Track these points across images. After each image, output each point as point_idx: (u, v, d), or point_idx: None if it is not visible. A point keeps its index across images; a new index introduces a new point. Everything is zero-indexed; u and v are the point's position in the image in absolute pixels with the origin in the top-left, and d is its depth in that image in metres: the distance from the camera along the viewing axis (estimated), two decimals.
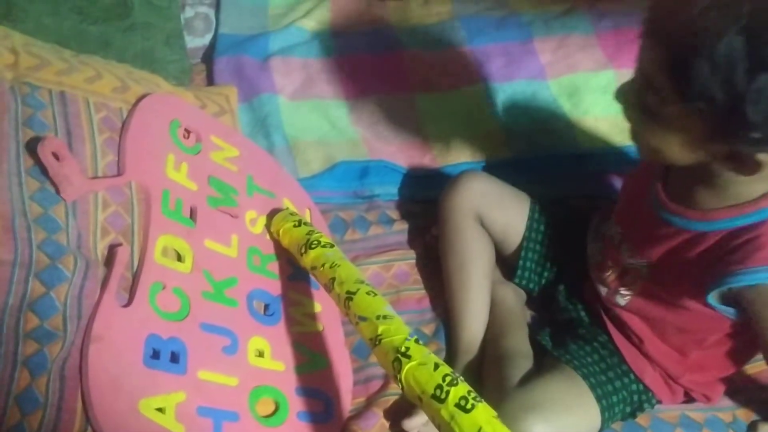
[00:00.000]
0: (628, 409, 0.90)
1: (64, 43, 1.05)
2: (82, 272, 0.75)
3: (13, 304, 0.70)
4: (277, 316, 0.91)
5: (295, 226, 0.93)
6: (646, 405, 0.91)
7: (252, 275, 0.92)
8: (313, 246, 0.88)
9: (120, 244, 0.81)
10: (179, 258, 0.86)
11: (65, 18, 1.17)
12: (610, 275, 0.91)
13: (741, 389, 0.95)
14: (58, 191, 0.78)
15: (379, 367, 0.94)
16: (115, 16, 1.21)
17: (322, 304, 0.98)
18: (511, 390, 0.85)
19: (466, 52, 1.31)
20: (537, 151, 1.20)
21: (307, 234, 0.91)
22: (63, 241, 0.76)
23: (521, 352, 0.92)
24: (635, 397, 0.90)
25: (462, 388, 0.66)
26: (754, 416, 0.93)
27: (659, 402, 0.92)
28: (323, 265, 0.86)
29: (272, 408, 0.84)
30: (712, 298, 0.78)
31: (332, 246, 0.89)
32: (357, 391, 0.93)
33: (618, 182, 1.18)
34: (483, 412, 0.64)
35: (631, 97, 0.73)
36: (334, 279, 0.83)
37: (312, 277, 0.92)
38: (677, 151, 0.72)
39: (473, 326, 0.96)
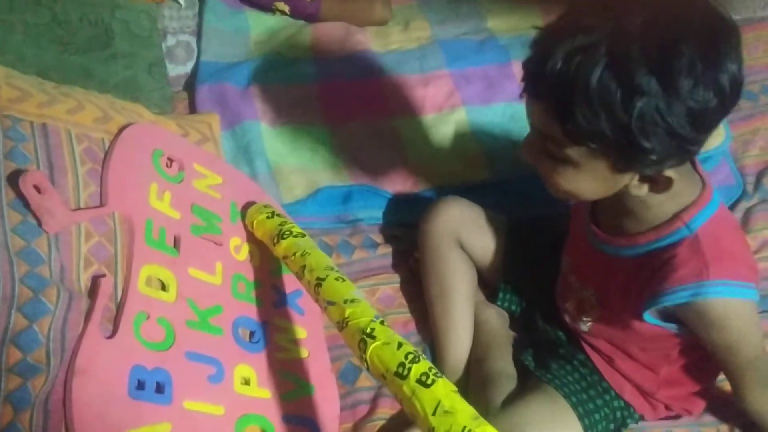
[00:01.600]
0: (611, 426, 0.91)
1: (46, 74, 1.06)
2: (65, 304, 0.75)
3: None
4: (262, 344, 0.91)
5: (268, 217, 0.96)
6: (629, 420, 0.92)
7: (237, 303, 0.92)
8: (285, 236, 0.91)
9: (103, 275, 0.81)
10: (163, 287, 0.86)
11: (46, 49, 1.17)
12: (570, 305, 0.93)
13: (724, 405, 0.96)
14: (40, 224, 0.78)
15: (367, 390, 0.95)
16: (96, 46, 1.21)
17: (308, 330, 0.98)
18: (495, 412, 0.85)
19: (447, 76, 1.33)
20: (519, 172, 1.21)
21: (280, 225, 0.93)
22: (46, 273, 0.75)
23: (505, 374, 0.93)
24: (617, 414, 0.91)
25: (423, 365, 0.69)
26: (736, 431, 0.94)
27: (642, 418, 0.93)
28: (294, 254, 0.88)
29: None
30: (650, 317, 0.81)
31: (303, 236, 0.92)
32: (344, 417, 0.93)
33: None
34: (443, 386, 0.66)
35: (534, 149, 0.76)
36: (304, 266, 0.85)
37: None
38: (590, 187, 0.75)
39: (457, 349, 0.97)
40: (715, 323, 0.77)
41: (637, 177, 0.73)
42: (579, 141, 0.69)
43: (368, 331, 0.73)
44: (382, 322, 0.74)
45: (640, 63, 0.63)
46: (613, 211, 0.81)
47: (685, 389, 0.92)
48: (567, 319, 0.95)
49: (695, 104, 0.64)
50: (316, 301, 0.83)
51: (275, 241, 0.92)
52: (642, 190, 0.74)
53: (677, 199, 0.77)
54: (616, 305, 0.86)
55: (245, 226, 1.00)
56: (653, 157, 0.68)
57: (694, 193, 0.78)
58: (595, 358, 0.93)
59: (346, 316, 0.76)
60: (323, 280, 0.82)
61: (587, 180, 0.74)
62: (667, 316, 0.81)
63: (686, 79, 0.63)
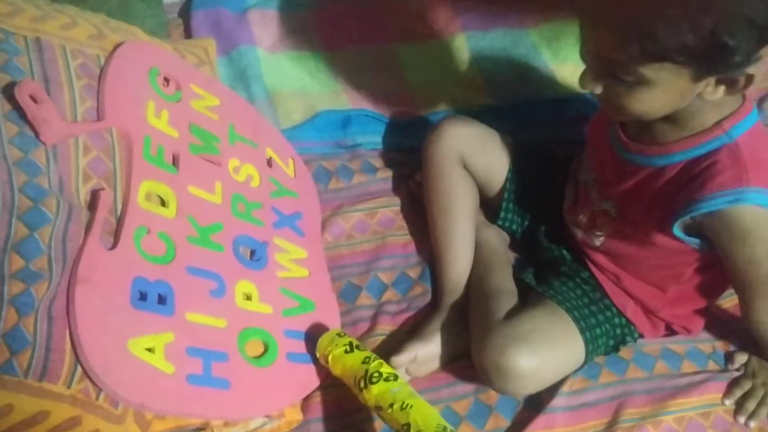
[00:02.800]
0: (611, 342, 0.92)
1: None
2: (65, 215, 0.75)
3: None
4: (263, 262, 0.92)
5: (346, 351, 0.81)
6: (628, 338, 0.93)
7: (237, 221, 0.92)
8: (374, 380, 0.77)
9: (102, 189, 0.80)
10: (163, 203, 0.86)
11: None
12: (582, 218, 0.93)
13: (721, 321, 0.97)
14: (37, 135, 0.77)
15: (367, 308, 0.96)
16: None
17: (308, 251, 0.98)
18: (497, 323, 0.86)
19: (445, 1, 1.31)
20: (517, 97, 1.21)
21: (364, 363, 0.79)
22: (44, 184, 0.75)
23: (506, 290, 0.94)
24: (618, 330, 0.92)
25: None
26: (731, 347, 0.96)
27: (641, 336, 0.94)
28: (391, 406, 0.75)
29: (261, 349, 0.85)
30: (678, 229, 0.80)
31: (396, 377, 0.78)
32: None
33: None
34: None
35: (600, 78, 0.74)
36: (409, 426, 0.72)
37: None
38: (665, 103, 0.74)
39: (458, 267, 0.97)
40: (746, 232, 0.77)
41: (713, 81, 0.72)
42: (660, 57, 0.68)
43: None
44: None
45: None
46: (654, 121, 0.79)
47: (689, 308, 0.93)
48: (579, 234, 0.94)
49: None
50: None
51: (361, 385, 0.77)
52: (717, 94, 0.73)
53: (719, 108, 0.76)
54: (639, 217, 0.85)
55: (318, 359, 0.86)
56: (737, 58, 0.67)
57: (736, 104, 0.77)
58: (599, 275, 0.93)
59: None
60: None
61: (663, 96, 0.73)
62: (692, 229, 0.81)
63: None
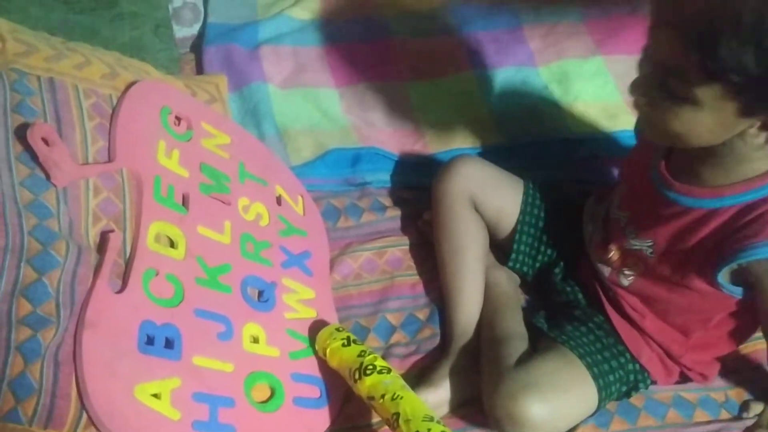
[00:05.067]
0: (623, 389, 0.90)
1: (51, 33, 1.04)
2: (74, 258, 0.74)
3: (5, 290, 0.69)
4: (271, 303, 0.91)
5: (343, 345, 0.85)
6: (641, 385, 0.92)
7: (245, 262, 0.92)
8: (368, 372, 0.80)
9: (112, 231, 0.80)
10: (172, 244, 0.85)
11: (52, 8, 1.16)
12: (613, 256, 0.90)
13: (734, 369, 0.96)
14: (48, 177, 0.77)
15: (375, 351, 0.95)
16: (102, 5, 1.20)
17: (316, 291, 0.97)
18: (508, 370, 0.85)
19: (456, 39, 1.31)
20: (528, 136, 1.20)
21: (359, 356, 0.83)
22: (54, 227, 0.75)
23: (517, 334, 0.92)
24: (631, 377, 0.91)
25: None
26: (746, 395, 0.94)
27: (654, 382, 0.93)
28: (383, 396, 0.78)
29: (268, 394, 0.84)
30: (722, 276, 0.79)
31: (389, 370, 0.82)
32: None
33: (609, 167, 1.18)
34: None
35: (650, 86, 0.72)
36: (398, 415, 0.75)
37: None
38: (706, 131, 0.71)
39: (468, 310, 0.96)
40: None
41: (758, 124, 0.70)
42: (715, 76, 0.65)
43: None
44: None
45: None
46: (697, 161, 0.77)
47: (710, 354, 0.92)
48: (605, 271, 0.92)
49: None
50: None
51: (356, 376, 0.81)
52: (759, 138, 0.71)
53: None
54: (678, 260, 0.83)
55: (315, 352, 0.89)
56: None
57: None
58: (616, 319, 0.91)
59: None
60: None
61: (706, 123, 0.70)
62: (737, 276, 0.79)
63: None
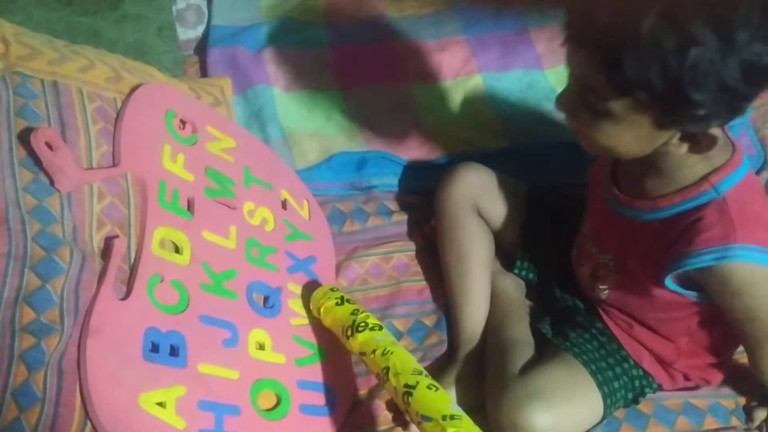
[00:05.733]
0: (629, 395, 0.90)
1: (55, 36, 1.03)
2: (78, 264, 0.73)
3: (8, 297, 0.68)
4: (276, 309, 0.90)
5: (337, 304, 0.86)
6: (647, 390, 0.91)
7: (251, 267, 0.91)
8: (360, 329, 0.82)
9: (116, 236, 0.79)
10: (177, 250, 0.85)
11: (55, 9, 1.15)
12: (585, 271, 0.92)
13: (744, 377, 0.95)
14: (52, 182, 0.76)
15: None
16: (105, 7, 1.19)
17: None
18: (513, 378, 0.84)
19: (463, 42, 1.30)
20: (534, 140, 1.19)
21: (352, 314, 0.84)
22: (58, 233, 0.74)
23: (523, 341, 0.92)
24: (636, 382, 0.90)
25: None
26: (753, 403, 0.93)
27: (660, 386, 0.92)
28: (374, 352, 0.80)
29: (274, 401, 0.83)
30: (671, 282, 0.79)
31: (381, 328, 0.83)
32: (359, 383, 0.92)
33: None
34: None
35: (572, 101, 0.73)
36: (388, 368, 0.77)
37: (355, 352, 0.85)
38: (629, 144, 0.72)
39: (474, 317, 0.95)
40: (738, 289, 0.75)
41: (678, 135, 0.70)
42: (624, 92, 0.66)
43: None
44: None
45: (696, 11, 0.61)
46: (638, 171, 0.79)
47: (704, 359, 0.91)
48: (583, 286, 0.93)
49: (751, 57, 0.62)
50: (406, 411, 0.75)
51: (348, 333, 0.83)
52: (681, 149, 0.72)
53: (708, 160, 0.75)
54: (635, 271, 0.84)
55: (310, 311, 0.91)
56: (701, 112, 0.65)
57: (725, 156, 0.76)
58: (612, 326, 0.91)
59: None
60: (413, 387, 0.73)
61: (626, 136, 0.71)
62: (687, 282, 0.79)
63: (743, 31, 0.61)
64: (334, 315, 0.86)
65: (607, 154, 0.77)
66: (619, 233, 0.84)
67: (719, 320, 0.84)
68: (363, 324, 0.83)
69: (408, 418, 0.77)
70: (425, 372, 0.77)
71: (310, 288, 0.92)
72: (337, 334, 0.86)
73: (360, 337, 0.82)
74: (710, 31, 0.61)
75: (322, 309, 0.87)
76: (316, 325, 0.92)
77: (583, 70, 0.69)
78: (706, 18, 0.61)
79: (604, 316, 0.92)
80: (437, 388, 0.75)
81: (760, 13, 0.61)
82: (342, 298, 0.87)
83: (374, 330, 0.82)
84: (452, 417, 0.70)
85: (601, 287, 0.90)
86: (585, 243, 0.92)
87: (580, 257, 0.93)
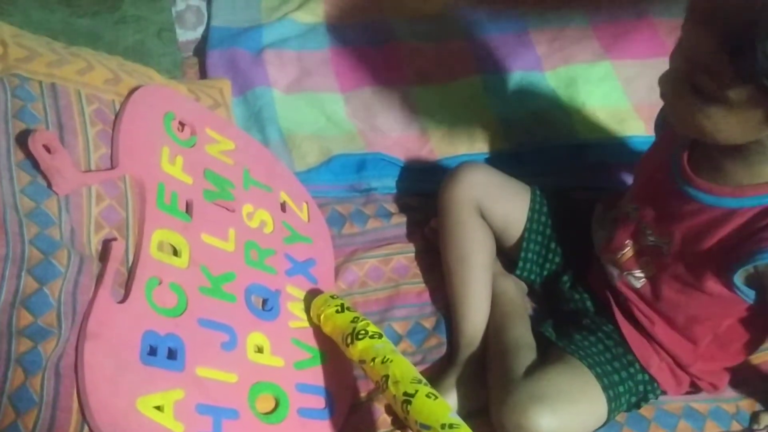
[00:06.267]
0: (633, 399, 0.89)
1: (54, 37, 1.03)
2: (76, 267, 0.73)
3: (6, 301, 0.67)
4: (275, 312, 0.90)
5: (337, 311, 0.87)
6: (650, 395, 0.90)
7: (250, 270, 0.90)
8: (360, 336, 0.82)
9: (114, 239, 0.79)
10: (175, 253, 0.84)
11: (54, 11, 1.15)
12: (625, 255, 0.88)
13: (745, 380, 0.95)
14: (50, 185, 0.76)
15: None
16: (104, 8, 1.19)
17: None
18: (517, 381, 0.83)
19: (463, 43, 1.30)
20: (535, 142, 1.19)
21: (352, 322, 0.84)
22: (56, 235, 0.74)
23: (525, 344, 0.91)
24: (640, 387, 0.89)
25: None
26: (757, 406, 0.93)
27: (663, 393, 0.92)
28: (373, 359, 0.80)
29: (272, 405, 0.82)
30: (738, 277, 0.77)
31: (381, 336, 0.84)
32: (358, 387, 0.91)
33: (617, 173, 1.17)
34: None
35: (679, 82, 0.71)
36: (387, 377, 0.77)
37: (361, 366, 0.85)
38: (734, 131, 0.70)
39: (475, 319, 0.95)
40: None
41: None
42: (748, 79, 0.64)
43: None
44: None
45: None
46: (723, 158, 0.76)
47: (720, 364, 0.90)
48: (614, 273, 0.90)
49: None
50: (405, 420, 0.75)
51: (348, 341, 0.83)
52: None
53: None
54: (694, 259, 0.81)
55: (309, 318, 0.91)
56: None
57: None
58: (625, 328, 0.90)
59: None
60: (412, 396, 0.74)
61: (732, 123, 0.69)
62: (752, 280, 0.77)
63: None
64: (334, 322, 0.86)
65: (701, 136, 0.74)
66: (688, 218, 0.80)
67: (748, 324, 0.84)
68: (363, 332, 0.83)
69: (408, 427, 0.76)
70: (424, 381, 0.77)
71: (310, 295, 0.92)
72: (337, 342, 0.86)
73: (360, 345, 0.82)
74: None
75: (322, 316, 0.88)
76: (315, 328, 0.92)
77: (702, 51, 0.66)
78: None
79: (618, 316, 0.91)
80: (436, 397, 0.74)
81: None
82: (342, 305, 0.87)
83: (374, 338, 0.82)
84: (451, 426, 0.70)
85: (637, 275, 0.88)
86: (627, 225, 0.88)
87: (619, 243, 0.89)
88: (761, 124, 0.68)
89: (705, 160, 0.79)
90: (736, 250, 0.76)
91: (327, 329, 0.88)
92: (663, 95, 0.74)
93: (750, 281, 0.78)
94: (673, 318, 0.87)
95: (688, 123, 0.73)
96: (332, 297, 0.89)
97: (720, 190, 0.77)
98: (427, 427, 0.71)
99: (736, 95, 0.66)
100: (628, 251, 0.89)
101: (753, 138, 0.71)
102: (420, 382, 0.76)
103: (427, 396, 0.74)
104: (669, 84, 0.73)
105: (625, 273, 0.89)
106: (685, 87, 0.70)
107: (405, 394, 0.74)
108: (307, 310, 0.91)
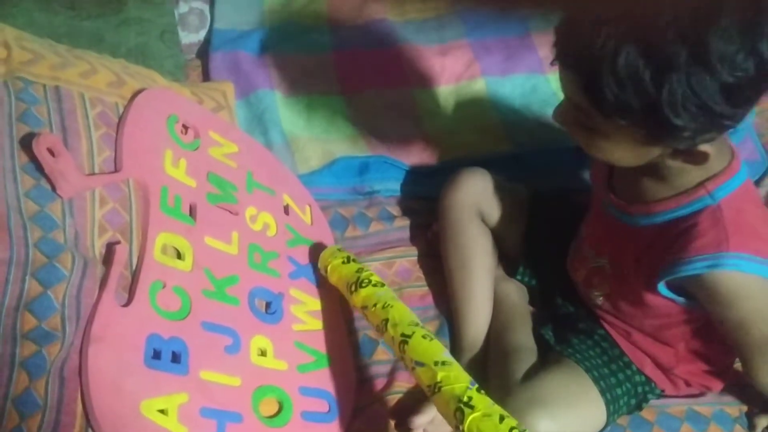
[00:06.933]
0: (633, 401, 0.89)
1: (57, 39, 1.03)
2: (80, 271, 0.73)
3: (10, 304, 0.68)
4: (278, 315, 0.90)
5: (343, 263, 0.91)
6: (650, 395, 0.91)
7: (253, 273, 0.90)
8: (363, 285, 0.86)
9: (118, 242, 0.79)
10: (179, 256, 0.84)
11: (57, 13, 1.15)
12: (580, 275, 0.92)
13: (749, 384, 0.94)
14: (54, 188, 0.76)
15: (384, 364, 0.93)
16: (108, 11, 1.19)
17: (324, 302, 0.96)
18: (516, 385, 0.84)
19: (466, 46, 1.30)
20: (537, 145, 1.19)
21: (357, 272, 0.88)
22: (60, 239, 0.74)
23: (525, 348, 0.92)
24: (639, 389, 0.89)
25: None
26: (755, 409, 0.92)
27: (663, 392, 0.92)
28: (375, 305, 0.84)
29: (276, 408, 0.82)
30: (664, 288, 0.79)
31: (383, 285, 0.87)
32: (361, 389, 0.91)
33: None
34: None
35: (567, 116, 0.74)
36: (387, 320, 0.81)
37: (362, 315, 0.89)
38: (624, 157, 0.73)
39: (477, 322, 0.95)
40: (729, 298, 0.75)
41: (670, 151, 0.70)
42: (607, 114, 0.67)
43: (465, 399, 0.69)
44: (478, 390, 0.71)
45: (671, 36, 0.60)
46: (634, 177, 0.78)
47: (702, 366, 0.90)
48: (580, 290, 0.93)
49: (731, 78, 0.61)
50: (401, 359, 0.79)
51: (352, 289, 0.87)
52: (676, 161, 0.72)
53: (705, 167, 0.74)
54: (629, 276, 0.83)
55: (318, 270, 0.95)
56: (686, 134, 0.65)
57: (722, 163, 0.75)
58: (613, 333, 0.91)
59: (438, 380, 0.72)
60: (409, 337, 0.78)
61: (618, 150, 0.72)
62: (679, 289, 0.79)
63: (720, 54, 0.60)
64: (339, 272, 0.90)
65: (606, 163, 0.78)
66: (615, 237, 0.84)
67: (714, 328, 0.84)
68: (366, 280, 0.87)
69: (405, 366, 0.79)
70: (422, 324, 0.81)
71: (316, 248, 0.98)
72: (342, 290, 0.91)
73: (363, 292, 0.86)
74: (686, 55, 0.60)
75: (329, 267, 0.92)
76: (318, 332, 0.92)
77: (570, 90, 0.70)
78: (681, 43, 0.60)
79: (604, 323, 0.92)
80: (432, 339, 0.78)
81: (738, 35, 0.60)
82: (348, 257, 0.92)
83: (376, 286, 0.87)
84: (443, 363, 0.74)
85: (596, 293, 0.90)
86: (582, 247, 0.92)
87: (576, 261, 0.93)
88: (644, 146, 0.70)
89: (621, 180, 0.82)
90: (655, 264, 0.78)
91: (333, 279, 0.92)
92: (554, 116, 0.77)
93: (677, 290, 0.79)
94: (641, 327, 0.88)
95: (587, 150, 0.75)
96: (339, 250, 0.94)
97: (634, 209, 0.80)
98: (422, 364, 0.75)
99: (606, 127, 0.69)
100: (580, 272, 0.91)
101: (645, 160, 0.73)
102: (417, 325, 0.80)
103: (423, 337, 0.78)
104: (560, 118, 0.75)
105: (585, 291, 0.92)
106: (572, 120, 0.73)
107: (402, 335, 0.78)
108: (316, 261, 0.96)
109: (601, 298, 0.89)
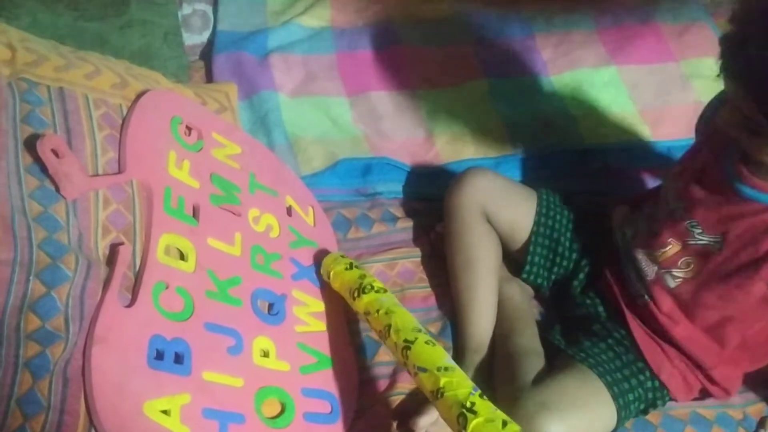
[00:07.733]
0: (642, 407, 0.89)
1: (60, 41, 1.03)
2: (83, 272, 0.73)
3: (14, 305, 0.68)
4: (281, 316, 0.90)
5: (346, 269, 0.91)
6: (659, 402, 0.90)
7: (256, 274, 0.90)
8: (366, 290, 0.87)
9: (122, 243, 0.79)
10: (182, 257, 0.84)
11: (61, 15, 1.15)
12: (666, 253, 0.88)
13: (752, 387, 0.95)
14: (58, 189, 0.76)
15: (386, 365, 0.93)
16: (111, 13, 1.19)
17: (327, 304, 0.96)
18: (525, 389, 0.83)
19: (468, 48, 1.30)
20: (540, 147, 1.19)
21: (360, 278, 0.89)
22: (64, 240, 0.74)
23: (532, 350, 0.91)
24: (650, 395, 0.89)
25: None
26: (765, 412, 0.92)
27: (672, 399, 0.91)
28: (377, 311, 0.84)
29: (278, 409, 0.83)
30: None
31: (385, 291, 0.87)
32: (363, 391, 0.91)
33: (622, 178, 1.17)
34: None
35: (731, 120, 0.74)
36: (389, 326, 0.81)
37: (365, 321, 0.90)
38: None
39: (482, 324, 0.95)
40: None
41: None
42: None
43: (468, 405, 0.69)
44: (481, 395, 0.71)
45: None
46: None
47: (742, 368, 0.90)
48: (648, 272, 0.89)
49: None
50: (404, 365, 0.79)
51: (355, 295, 0.87)
52: None
53: None
54: (746, 257, 0.81)
55: (320, 276, 0.95)
56: None
57: None
58: (638, 333, 0.90)
59: (441, 386, 0.72)
60: (412, 342, 0.78)
61: None
62: None
63: None
64: (342, 278, 0.91)
65: (760, 161, 0.78)
66: (742, 217, 0.81)
67: None
68: (369, 286, 0.87)
69: (408, 372, 0.80)
70: (424, 330, 0.81)
71: (320, 254, 0.98)
72: (344, 296, 0.91)
73: (366, 298, 0.86)
74: None
75: (331, 273, 0.92)
76: (320, 333, 0.92)
77: (737, 98, 0.71)
78: None
79: (632, 321, 0.91)
80: (434, 344, 0.78)
81: None
82: (351, 264, 0.92)
83: (379, 292, 0.87)
84: (446, 369, 0.74)
85: (675, 274, 0.87)
86: (674, 224, 0.87)
87: (660, 240, 0.88)
88: None
89: (762, 161, 0.79)
90: None
91: (336, 285, 0.92)
92: (718, 119, 0.77)
93: None
94: (704, 318, 0.87)
95: (748, 149, 0.77)
96: (342, 256, 0.94)
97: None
98: (424, 370, 0.75)
99: None
100: (669, 249, 0.88)
101: None
102: (420, 331, 0.80)
103: (426, 343, 0.78)
104: (725, 123, 0.76)
105: (662, 271, 0.89)
106: (735, 123, 0.74)
107: (405, 341, 0.79)
108: (319, 268, 0.96)
109: (679, 280, 0.87)
